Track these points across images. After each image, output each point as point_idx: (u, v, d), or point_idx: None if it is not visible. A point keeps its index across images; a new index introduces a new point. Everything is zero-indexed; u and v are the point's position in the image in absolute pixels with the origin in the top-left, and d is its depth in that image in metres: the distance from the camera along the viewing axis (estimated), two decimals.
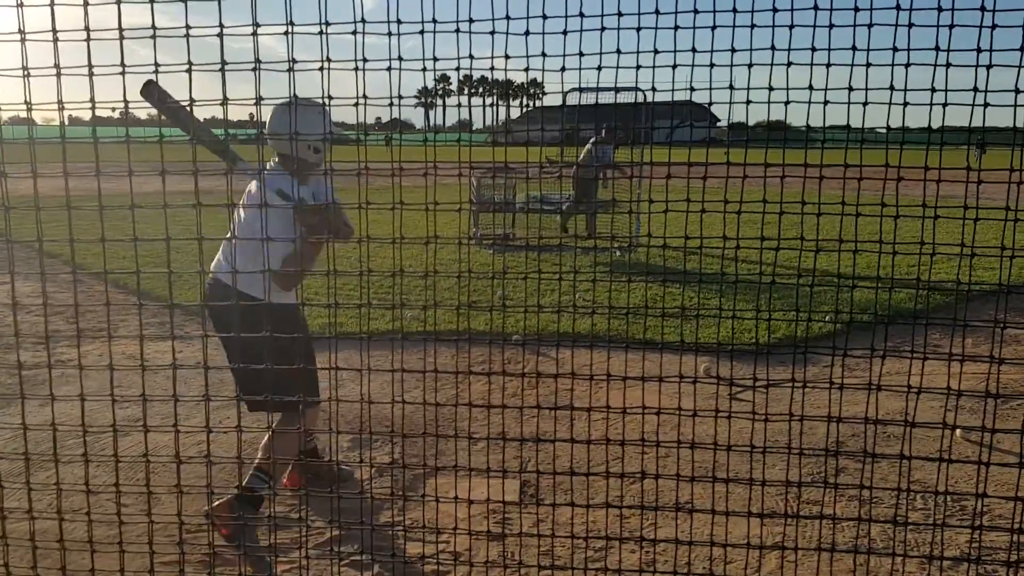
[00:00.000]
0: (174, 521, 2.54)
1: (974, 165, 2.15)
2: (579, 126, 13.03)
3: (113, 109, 3.32)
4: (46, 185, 2.19)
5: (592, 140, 12.72)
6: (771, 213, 2.14)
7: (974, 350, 5.98)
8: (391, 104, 2.23)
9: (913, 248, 2.01)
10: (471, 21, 2.13)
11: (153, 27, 2.20)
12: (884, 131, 2.09)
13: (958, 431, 4.59)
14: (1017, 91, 2.05)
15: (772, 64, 2.07)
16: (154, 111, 3.16)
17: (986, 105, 2.01)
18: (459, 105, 2.85)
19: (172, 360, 2.28)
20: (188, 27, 2.17)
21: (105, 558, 2.59)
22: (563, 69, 2.20)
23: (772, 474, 3.36)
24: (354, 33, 2.17)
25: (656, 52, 2.13)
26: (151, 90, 2.88)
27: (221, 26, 2.17)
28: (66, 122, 2.32)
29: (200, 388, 2.43)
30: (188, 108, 2.53)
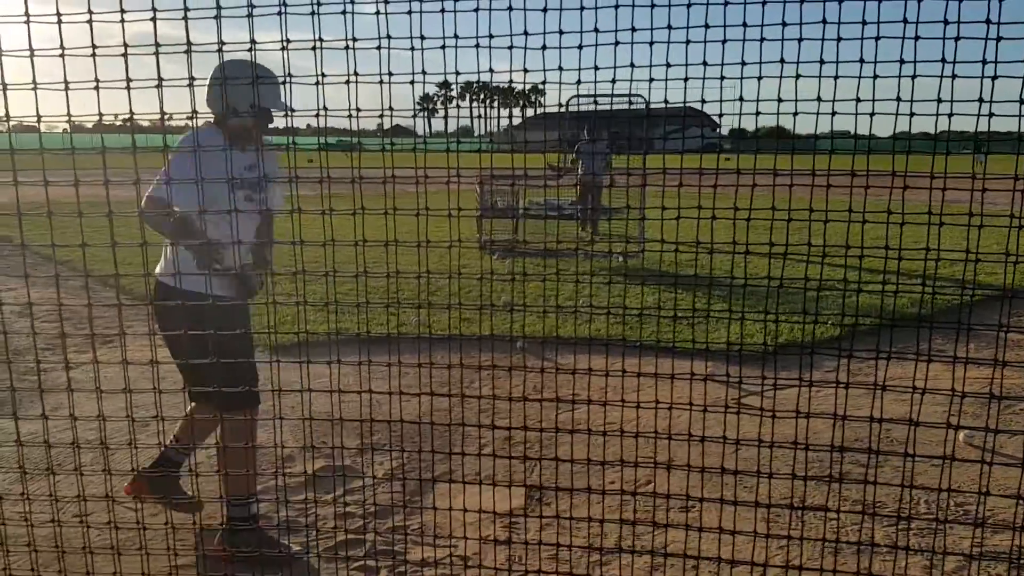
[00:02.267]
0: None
1: (979, 171, 2.21)
2: (582, 135, 13.18)
3: (116, 116, 3.37)
4: (51, 192, 2.27)
5: (577, 147, 12.91)
6: (779, 220, 2.21)
7: (977, 355, 6.03)
8: (381, 115, 2.30)
9: (918, 254, 2.08)
10: (456, 37, 2.20)
11: (156, 44, 2.27)
12: (890, 139, 2.17)
13: (961, 435, 4.64)
14: (1021, 101, 2.12)
15: (781, 76, 2.15)
16: (154, 118, 3.23)
17: (991, 115, 2.08)
18: (446, 117, 2.91)
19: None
20: (190, 44, 2.23)
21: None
22: (558, 82, 2.28)
23: (777, 479, 3.42)
24: (346, 48, 2.24)
25: (652, 66, 2.21)
26: None
27: (220, 42, 2.23)
28: (70, 131, 2.38)
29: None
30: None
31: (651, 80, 2.22)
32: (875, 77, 2.11)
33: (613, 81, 2.24)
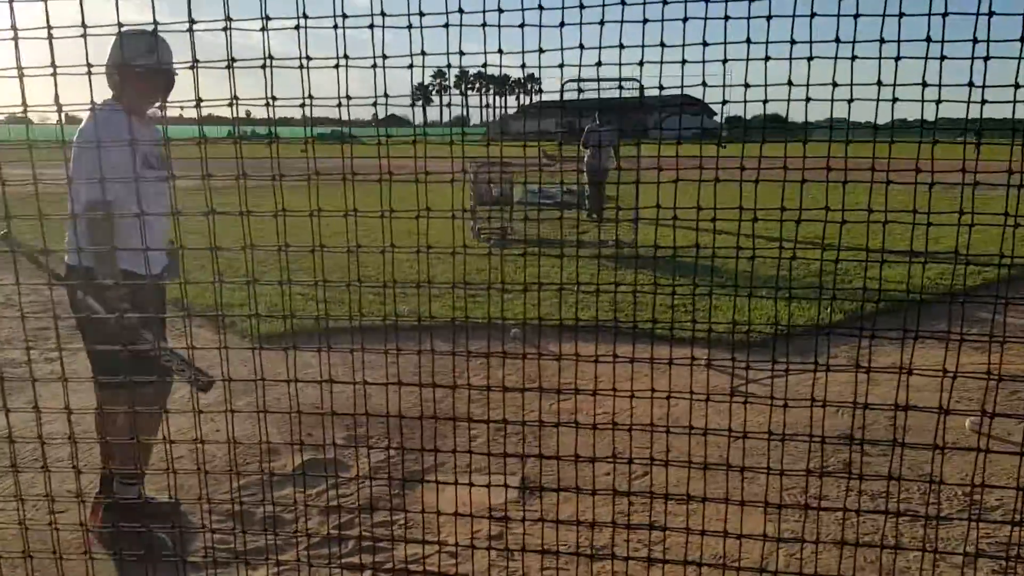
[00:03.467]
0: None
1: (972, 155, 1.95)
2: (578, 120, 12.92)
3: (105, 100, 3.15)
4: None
5: (587, 128, 12.63)
6: (792, 181, 1.97)
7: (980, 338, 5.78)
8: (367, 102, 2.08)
9: (951, 219, 1.83)
10: (461, 12, 1.96)
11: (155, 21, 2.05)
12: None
13: (967, 421, 4.46)
14: None
15: (791, 50, 1.88)
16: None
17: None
18: (437, 106, 2.67)
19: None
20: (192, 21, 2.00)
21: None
22: (559, 48, 2.03)
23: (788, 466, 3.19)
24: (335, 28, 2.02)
25: (641, 47, 1.95)
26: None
27: (228, 19, 2.01)
28: (64, 121, 2.16)
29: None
30: None
31: (644, 47, 1.96)
32: (898, 58, 1.84)
33: (600, 47, 1.98)
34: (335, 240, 2.15)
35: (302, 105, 2.11)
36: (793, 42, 1.81)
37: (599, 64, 2.02)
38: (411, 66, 2.07)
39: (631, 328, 5.30)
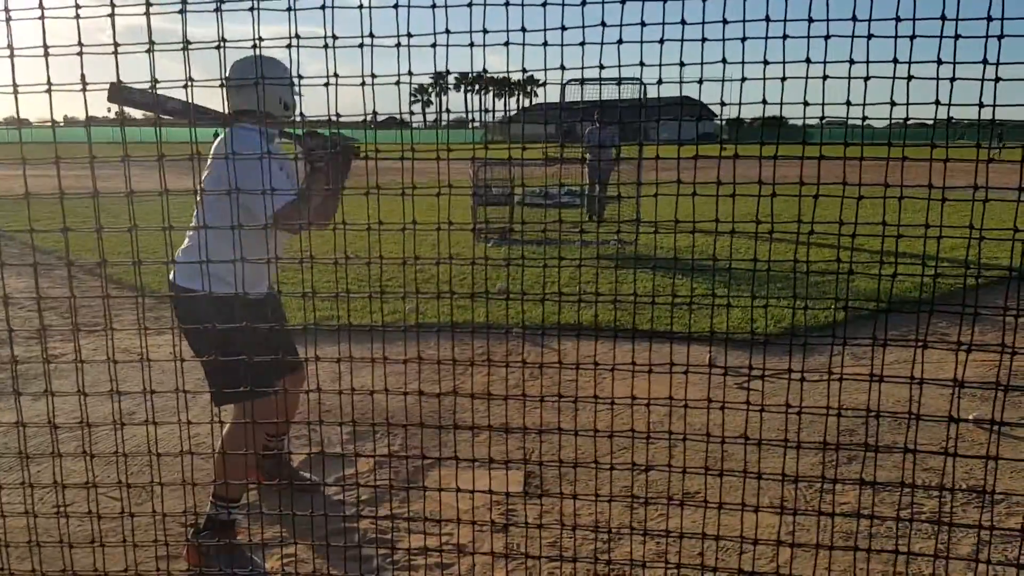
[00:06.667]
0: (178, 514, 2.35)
1: (994, 157, 1.98)
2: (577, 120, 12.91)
3: (109, 110, 3.15)
4: (38, 184, 2.09)
5: (588, 129, 12.64)
6: (807, 196, 2.01)
7: (980, 338, 5.81)
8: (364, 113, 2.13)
9: (965, 194, 1.86)
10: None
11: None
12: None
13: (971, 416, 4.45)
14: None
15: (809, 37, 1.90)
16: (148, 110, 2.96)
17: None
18: (436, 115, 2.73)
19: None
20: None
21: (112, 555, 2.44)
22: (560, 44, 2.07)
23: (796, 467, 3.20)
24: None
25: (637, 42, 1.98)
26: (118, 92, 2.49)
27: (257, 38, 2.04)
28: (60, 121, 2.19)
29: (186, 383, 2.28)
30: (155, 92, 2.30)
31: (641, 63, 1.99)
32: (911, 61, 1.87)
33: (599, 39, 2.01)
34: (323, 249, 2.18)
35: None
36: (811, 20, 1.84)
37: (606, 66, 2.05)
38: (436, 80, 2.13)
39: (647, 332, 5.24)
